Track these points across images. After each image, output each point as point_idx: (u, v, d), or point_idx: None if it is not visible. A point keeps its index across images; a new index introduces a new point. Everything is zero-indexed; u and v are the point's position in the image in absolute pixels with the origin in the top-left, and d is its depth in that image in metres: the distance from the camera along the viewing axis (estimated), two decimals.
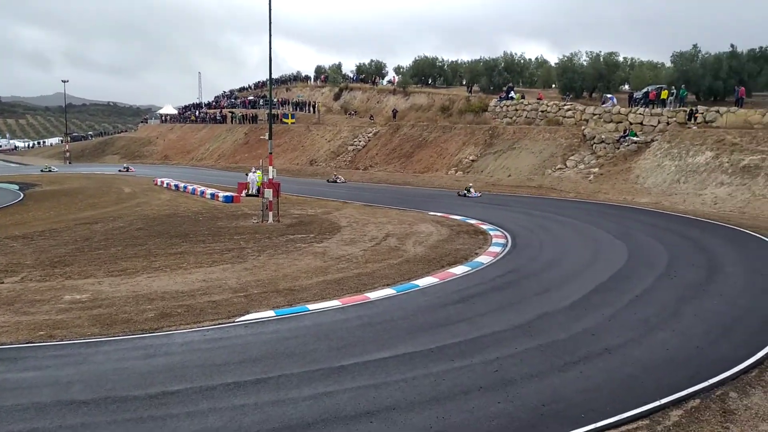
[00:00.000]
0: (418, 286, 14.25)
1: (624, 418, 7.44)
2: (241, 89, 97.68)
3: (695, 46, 42.51)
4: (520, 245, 19.15)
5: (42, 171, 61.22)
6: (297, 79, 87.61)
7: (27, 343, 10.34)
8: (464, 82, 63.42)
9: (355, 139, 56.70)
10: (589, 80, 48.71)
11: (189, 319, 11.63)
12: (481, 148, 44.97)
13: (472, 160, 44.34)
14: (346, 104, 71.56)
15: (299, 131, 64.57)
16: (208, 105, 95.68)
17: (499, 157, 43.09)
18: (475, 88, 58.90)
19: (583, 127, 40.98)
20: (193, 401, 7.97)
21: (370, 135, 56.15)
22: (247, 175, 37.53)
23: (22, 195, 39.88)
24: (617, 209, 28.07)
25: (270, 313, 12.02)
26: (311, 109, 70.60)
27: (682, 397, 8.03)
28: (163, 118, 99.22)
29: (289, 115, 67.41)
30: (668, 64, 45.81)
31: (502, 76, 56.41)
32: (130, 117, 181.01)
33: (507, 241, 19.72)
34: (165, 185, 42.32)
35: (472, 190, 33.91)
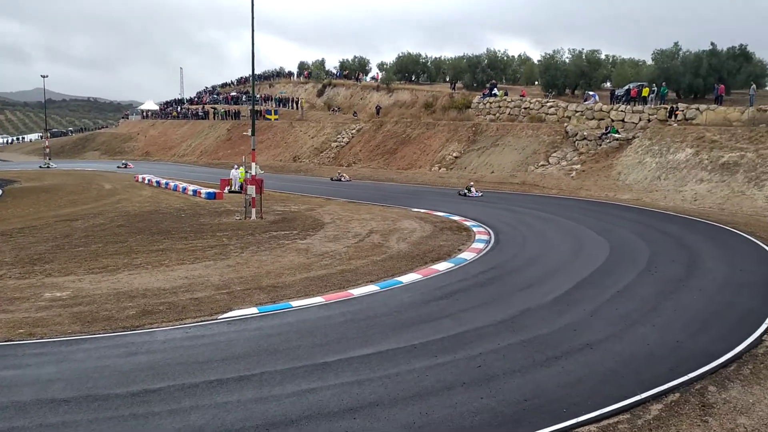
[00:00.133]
0: (401, 282, 14.27)
1: (605, 413, 7.50)
2: (224, 85, 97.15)
3: (676, 44, 42.99)
4: (503, 241, 19.24)
5: (41, 167, 60.24)
6: (280, 75, 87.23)
7: (6, 341, 10.21)
8: (447, 79, 63.52)
9: (339, 136, 56.59)
10: (572, 77, 49.01)
11: (171, 316, 11.56)
12: (465, 145, 45.07)
13: (456, 157, 44.44)
14: (330, 100, 71.38)
15: (282, 127, 64.32)
16: (190, 101, 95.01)
17: (482, 153, 43.22)
18: (459, 84, 59.02)
19: (565, 124, 41.22)
20: (176, 399, 7.93)
21: (354, 131, 56.07)
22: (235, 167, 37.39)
23: (0, 191, 39.35)
24: (599, 205, 28.29)
25: (253, 310, 11.98)
26: (294, 105, 70.37)
27: (662, 391, 8.11)
28: (145, 114, 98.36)
29: (272, 111, 67.11)
30: (649, 61, 46.27)
31: (486, 73, 56.63)
32: (111, 113, 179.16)
33: (490, 238, 19.81)
34: (146, 182, 41.98)
35: (473, 189, 32.36)
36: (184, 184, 37.19)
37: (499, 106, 48.05)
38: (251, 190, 24.03)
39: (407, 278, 14.60)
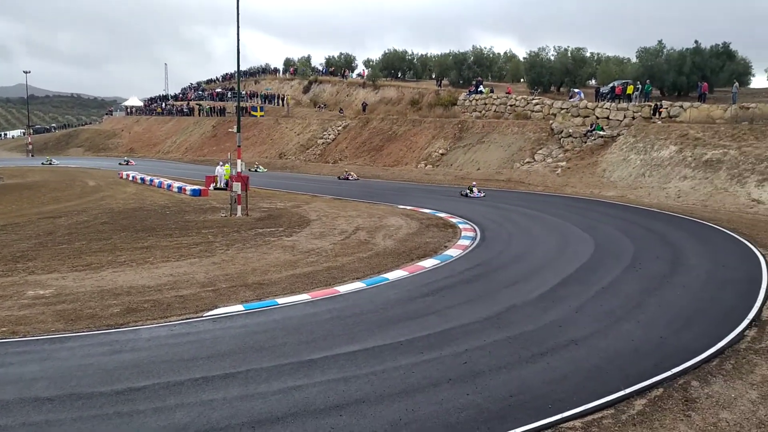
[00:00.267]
0: (387, 279, 14.27)
1: (589, 408, 7.56)
2: (209, 81, 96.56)
3: (660, 42, 43.30)
4: (489, 238, 19.30)
5: (43, 164, 59.29)
6: (266, 71, 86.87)
7: None
8: (433, 76, 63.64)
9: (325, 133, 56.46)
10: (557, 75, 49.28)
11: (156, 314, 11.49)
12: (451, 142, 45.15)
13: (442, 154, 44.50)
14: (316, 97, 71.23)
15: (268, 124, 64.07)
16: (175, 97, 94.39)
17: (468, 150, 43.32)
18: (445, 81, 59.14)
19: (551, 122, 41.41)
20: (160, 397, 7.88)
21: (340, 128, 55.97)
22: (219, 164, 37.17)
23: None
24: (584, 202, 28.46)
25: (239, 308, 11.93)
26: (280, 101, 70.09)
27: (646, 386, 8.19)
28: (129, 110, 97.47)
29: (258, 107, 66.82)
30: (634, 59, 46.56)
31: (472, 70, 56.74)
32: (95, 109, 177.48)
33: (476, 234, 19.87)
34: (131, 178, 41.63)
35: (474, 189, 30.71)
36: (169, 181, 36.92)
37: (485, 104, 48.18)
38: (237, 187, 23.92)
39: (393, 275, 14.60)
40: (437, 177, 40.79)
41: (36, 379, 8.46)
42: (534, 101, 44.80)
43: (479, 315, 11.38)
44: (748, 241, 18.35)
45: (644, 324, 10.85)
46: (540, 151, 39.24)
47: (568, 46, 50.10)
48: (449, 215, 23.96)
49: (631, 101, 38.88)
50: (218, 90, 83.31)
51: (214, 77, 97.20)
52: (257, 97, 73.40)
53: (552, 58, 49.87)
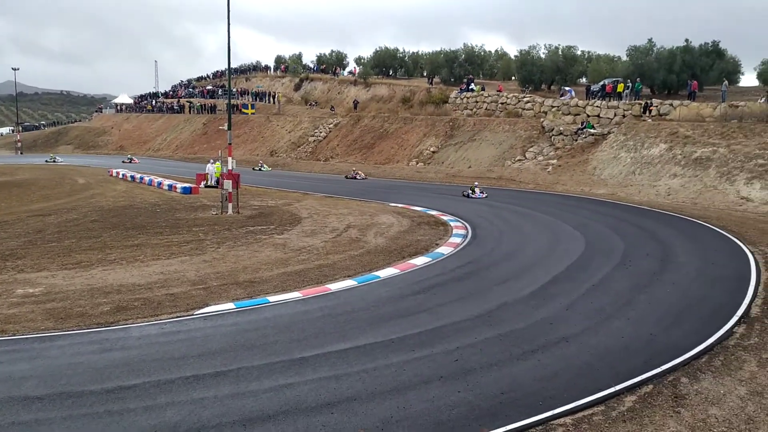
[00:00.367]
0: (379, 277, 14.27)
1: (580, 405, 7.59)
2: (199, 79, 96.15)
3: (650, 40, 43.50)
4: (480, 236, 19.33)
5: (47, 161, 58.44)
6: (256, 69, 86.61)
7: None
8: (425, 74, 63.62)
9: (316, 130, 56.38)
10: (548, 73, 49.41)
11: (146, 312, 11.44)
12: (442, 140, 45.19)
13: (433, 152, 44.53)
14: (307, 95, 71.09)
15: (259, 122, 63.90)
16: (165, 94, 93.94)
17: (459, 148, 43.38)
18: (436, 79, 59.19)
19: (541, 120, 41.52)
20: (151, 395, 7.85)
21: (331, 126, 55.90)
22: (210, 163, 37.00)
23: None
24: (575, 200, 28.56)
25: (230, 306, 11.90)
26: (271, 99, 69.93)
27: (636, 383, 8.23)
28: (119, 107, 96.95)
29: (249, 105, 66.63)
30: (624, 57, 46.77)
31: (463, 67, 56.84)
32: (84, 106, 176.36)
33: (467, 232, 19.90)
34: (121, 176, 41.40)
35: (476, 190, 29.50)
36: (159, 179, 36.75)
37: (477, 101, 48.25)
38: (228, 184, 23.85)
39: (385, 273, 14.60)
40: (428, 175, 40.82)
41: (25, 377, 8.40)
42: (525, 99, 44.91)
43: (470, 312, 11.40)
44: (737, 238, 18.47)
45: (634, 321, 10.91)
46: (531, 149, 39.35)
47: (559, 45, 50.37)
48: (440, 213, 23.98)
49: (621, 99, 39.03)
50: (209, 87, 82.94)
51: (204, 74, 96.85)
52: (248, 94, 73.19)
53: (543, 56, 50.04)
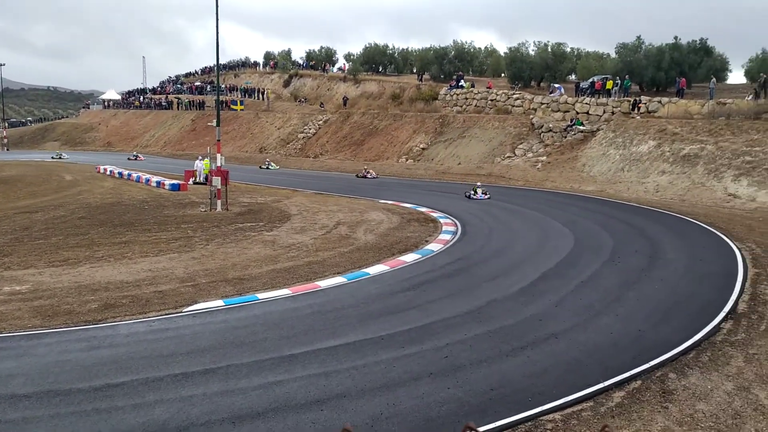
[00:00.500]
0: (368, 274, 14.26)
1: (569, 401, 7.62)
2: (188, 75, 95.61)
3: (639, 37, 43.59)
4: (469, 233, 19.36)
5: (53, 158, 57.62)
6: (245, 65, 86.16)
7: None
8: (414, 70, 63.53)
9: (305, 127, 56.24)
10: (537, 70, 49.48)
11: (134, 309, 11.37)
12: (432, 137, 45.21)
13: (423, 149, 44.55)
14: (296, 91, 70.83)
15: (248, 118, 63.66)
16: (153, 90, 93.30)
17: (449, 145, 43.41)
18: (426, 76, 59.10)
19: (531, 116, 41.62)
20: (139, 393, 7.80)
21: (321, 123, 55.78)
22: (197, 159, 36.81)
23: None
24: (564, 197, 28.66)
25: (219, 303, 11.85)
26: (260, 95, 69.64)
27: (625, 379, 8.27)
28: (106, 103, 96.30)
29: (238, 101, 66.31)
30: (613, 54, 46.88)
31: (453, 64, 56.78)
32: (72, 102, 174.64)
33: (457, 229, 19.93)
34: (108, 173, 41.15)
35: (479, 191, 28.07)
36: (148, 176, 36.58)
37: (466, 98, 48.29)
38: (217, 181, 23.75)
39: (374, 270, 14.59)
40: (418, 171, 40.83)
41: (12, 375, 8.33)
42: (514, 96, 44.99)
43: (460, 309, 11.41)
44: (724, 235, 18.59)
45: (623, 317, 10.96)
46: (520, 146, 39.44)
47: (549, 41, 50.59)
48: (430, 210, 24.00)
49: (610, 96, 39.17)
50: (197, 83, 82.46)
51: (192, 70, 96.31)
52: (237, 90, 72.84)
53: (532, 53, 50.10)
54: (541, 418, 7.26)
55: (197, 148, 55.28)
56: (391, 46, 69.77)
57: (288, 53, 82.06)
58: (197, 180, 34.35)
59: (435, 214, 22.86)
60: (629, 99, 37.79)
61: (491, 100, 46.26)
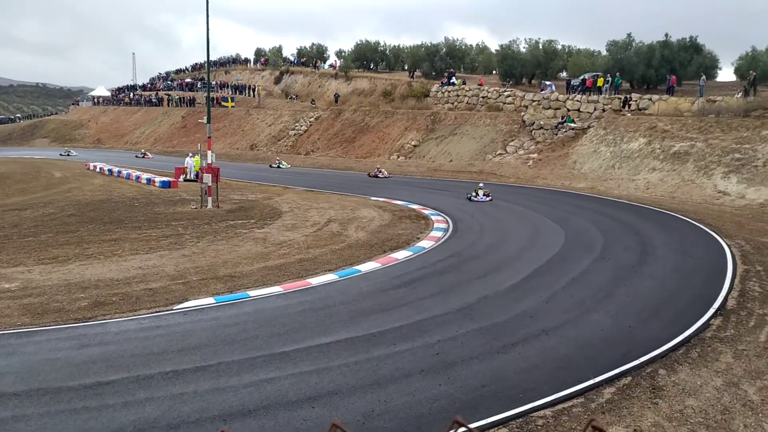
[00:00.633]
0: (360, 271, 14.26)
1: (560, 397, 7.66)
2: (178, 71, 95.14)
3: (629, 35, 43.74)
4: (461, 230, 19.38)
5: (61, 155, 56.85)
6: (236, 61, 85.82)
7: None
8: (406, 67, 63.50)
9: (297, 124, 56.10)
10: (529, 67, 49.55)
11: (124, 307, 11.32)
12: (423, 134, 45.19)
13: (414, 146, 44.53)
14: (287, 88, 70.64)
15: (239, 115, 63.43)
16: (143, 87, 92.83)
17: (440, 142, 43.41)
18: (417, 73, 59.06)
19: (522, 114, 41.67)
20: (130, 391, 7.78)
21: (312, 119, 55.65)
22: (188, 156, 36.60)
23: None
24: (555, 194, 28.73)
25: (210, 300, 11.82)
26: (251, 92, 69.40)
27: (615, 375, 8.31)
28: (96, 100, 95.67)
29: (229, 98, 66.03)
30: (604, 52, 47.01)
31: (444, 61, 56.78)
32: (61, 99, 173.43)
33: (448, 226, 19.94)
34: (98, 170, 40.89)
35: (480, 192, 26.15)
36: (138, 173, 36.37)
37: (458, 95, 48.29)
38: (207, 178, 23.66)
39: (366, 267, 14.59)
40: (410, 169, 40.82)
41: (2, 373, 8.28)
42: (506, 93, 45.01)
43: (451, 306, 11.43)
44: (714, 231, 18.70)
45: (613, 314, 11.01)
46: (512, 143, 39.48)
47: (540, 39, 50.45)
48: (421, 207, 24.01)
49: (601, 94, 39.28)
50: (188, 80, 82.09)
51: (183, 67, 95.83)
52: (228, 87, 72.55)
53: (523, 50, 50.15)
54: (532, 414, 7.30)
55: (188, 145, 55.02)
56: (382, 43, 69.75)
57: (279, 50, 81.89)
58: (188, 177, 34.20)
59: (426, 211, 22.87)
60: (620, 96, 37.90)
61: (483, 98, 46.28)
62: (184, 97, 74.30)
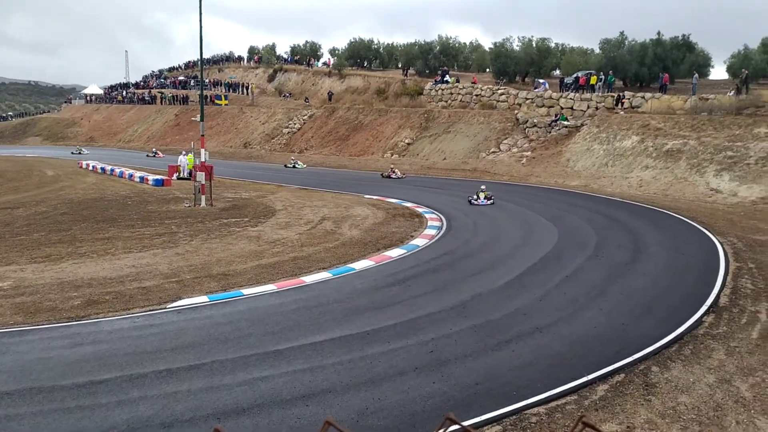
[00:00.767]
0: (354, 269, 14.25)
1: (553, 394, 7.67)
2: (171, 69, 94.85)
3: (622, 33, 43.90)
4: (455, 228, 19.40)
5: (72, 153, 56.35)
6: (230, 59, 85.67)
7: None
8: (400, 65, 63.50)
9: (290, 122, 56.02)
10: (522, 65, 49.63)
11: (118, 306, 11.29)
12: (417, 132, 45.20)
13: (408, 144, 44.54)
14: (281, 86, 70.55)
15: (232, 113, 63.33)
16: (136, 85, 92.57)
17: (434, 140, 43.43)
18: (411, 71, 59.07)
19: (516, 112, 41.72)
20: (123, 390, 7.76)
21: (306, 117, 55.58)
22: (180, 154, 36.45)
23: None
24: (549, 192, 28.79)
25: (203, 299, 11.80)
26: (245, 90, 69.31)
27: (608, 372, 8.34)
28: (88, 98, 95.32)
29: (222, 96, 65.94)
30: (597, 50, 47.16)
31: (438, 59, 56.82)
32: (53, 97, 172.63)
33: (442, 224, 19.95)
34: (91, 168, 40.74)
35: (481, 195, 24.56)
36: (131, 171, 36.25)
37: (451, 93, 48.31)
38: (201, 176, 23.60)
39: (360, 265, 14.59)
40: (404, 167, 40.76)
41: None
42: (499, 91, 45.06)
43: (445, 304, 11.44)
44: (706, 229, 18.78)
45: (607, 311, 11.04)
46: (505, 141, 39.53)
47: (533, 36, 50.61)
48: (415, 205, 24.01)
49: (594, 92, 39.39)
50: (181, 78, 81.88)
51: (176, 65, 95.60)
52: (221, 85, 72.43)
53: (517, 48, 50.23)
54: (525, 411, 7.31)
55: (181, 143, 54.89)
56: (376, 41, 69.85)
57: (272, 48, 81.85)
58: (181, 175, 34.10)
59: (420, 209, 22.88)
60: (613, 94, 38.01)
61: (476, 96, 46.32)
62: (177, 95, 74.12)
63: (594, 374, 8.23)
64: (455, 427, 1.89)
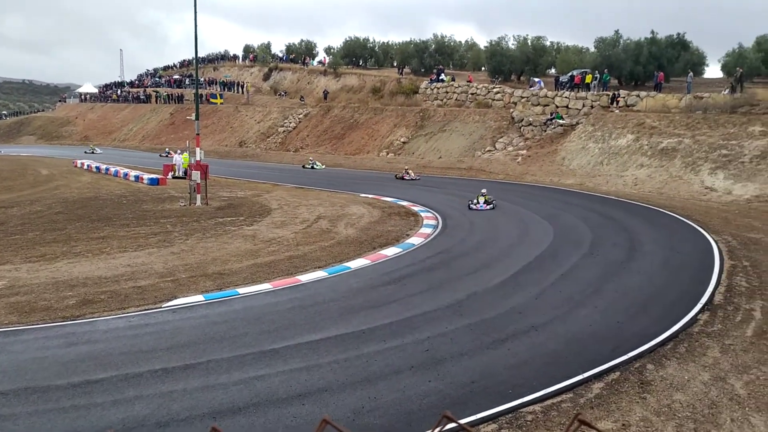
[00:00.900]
0: (349, 268, 14.26)
1: (549, 392, 7.69)
2: (166, 68, 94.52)
3: (617, 32, 43.93)
4: (450, 226, 19.41)
5: (86, 153, 55.76)
6: (225, 58, 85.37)
7: None
8: (395, 64, 63.45)
9: (286, 121, 55.92)
10: (517, 64, 49.64)
11: (113, 305, 11.26)
12: (412, 130, 45.19)
13: (404, 142, 44.53)
14: (276, 85, 70.39)
15: (228, 112, 63.17)
16: (131, 84, 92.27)
17: (430, 139, 43.43)
18: (406, 69, 59.04)
19: (511, 110, 41.74)
20: (119, 389, 7.74)
21: (301, 116, 55.50)
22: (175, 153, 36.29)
23: None
24: (544, 190, 28.83)
25: (199, 298, 11.78)
26: (240, 89, 69.12)
27: (603, 370, 8.36)
28: (83, 97, 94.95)
29: (217, 95, 65.75)
30: (592, 49, 47.17)
31: (433, 58, 56.81)
32: (48, 96, 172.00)
33: (438, 223, 19.97)
34: (86, 167, 40.61)
35: (481, 200, 22.86)
36: (126, 170, 36.14)
37: (447, 92, 48.31)
38: (196, 175, 23.55)
39: (355, 264, 14.59)
40: (399, 165, 40.74)
41: None
42: (495, 90, 45.08)
43: (441, 302, 11.45)
44: (701, 227, 18.83)
45: (602, 309, 11.07)
46: (501, 140, 39.56)
47: (528, 35, 50.65)
48: (411, 203, 24.02)
49: (589, 90, 39.42)
50: (176, 77, 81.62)
51: (171, 64, 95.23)
52: (216, 84, 72.19)
53: (512, 46, 50.25)
54: (521, 409, 7.33)
55: (176, 142, 54.72)
56: (371, 40, 69.70)
57: (268, 46, 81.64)
58: (176, 174, 34.03)
59: (416, 208, 22.88)
60: (608, 93, 38.06)
61: (472, 94, 46.33)
62: (172, 94, 73.86)
63: (589, 372, 8.25)
64: (452, 425, 1.90)
